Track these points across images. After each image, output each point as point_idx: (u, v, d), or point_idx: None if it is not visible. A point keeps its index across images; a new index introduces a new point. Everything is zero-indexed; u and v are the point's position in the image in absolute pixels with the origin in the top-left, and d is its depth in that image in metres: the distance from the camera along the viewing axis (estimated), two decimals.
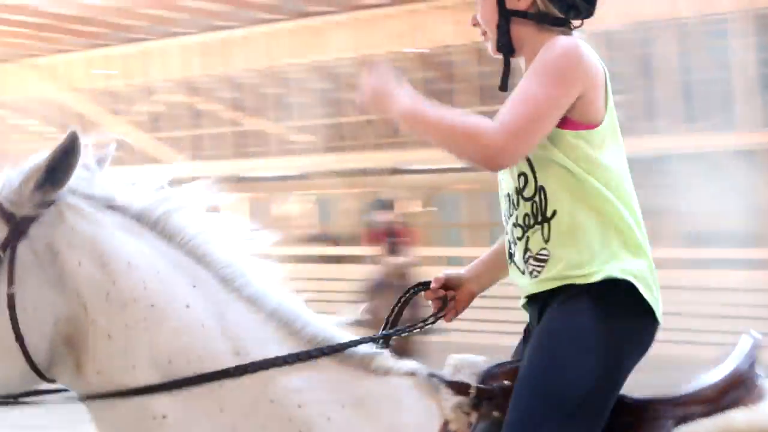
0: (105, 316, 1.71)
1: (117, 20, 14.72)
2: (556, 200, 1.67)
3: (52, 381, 1.79)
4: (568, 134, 1.66)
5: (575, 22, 1.79)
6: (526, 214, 1.69)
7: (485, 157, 1.61)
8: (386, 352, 1.78)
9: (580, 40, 1.75)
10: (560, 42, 1.67)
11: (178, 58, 15.96)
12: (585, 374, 1.60)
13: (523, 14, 1.76)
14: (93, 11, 14.22)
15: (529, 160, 1.68)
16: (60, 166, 1.72)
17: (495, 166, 1.65)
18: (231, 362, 1.68)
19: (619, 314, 1.65)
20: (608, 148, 1.71)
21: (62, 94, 17.53)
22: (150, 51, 16.31)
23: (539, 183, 1.67)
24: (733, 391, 1.72)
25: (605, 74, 1.74)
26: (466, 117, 1.65)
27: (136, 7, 14.05)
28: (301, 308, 1.78)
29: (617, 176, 1.71)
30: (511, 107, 1.62)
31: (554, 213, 1.66)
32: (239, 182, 17.29)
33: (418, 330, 1.86)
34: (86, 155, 1.78)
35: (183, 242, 1.77)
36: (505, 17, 1.76)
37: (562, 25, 1.79)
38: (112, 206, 1.78)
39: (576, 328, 1.63)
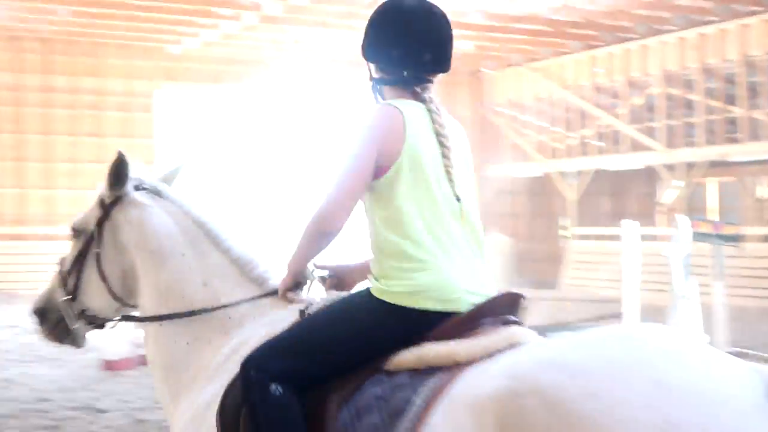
0: (142, 266, 2.83)
1: (607, 22, 18.29)
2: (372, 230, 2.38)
3: (134, 307, 2.89)
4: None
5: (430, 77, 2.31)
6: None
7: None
8: (303, 294, 2.59)
9: (399, 103, 2.24)
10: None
11: (658, 53, 18.71)
12: (333, 331, 2.31)
13: (373, 79, 2.37)
14: (586, 15, 17.67)
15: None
16: (119, 174, 2.89)
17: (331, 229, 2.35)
18: (202, 292, 2.66)
19: (384, 306, 2.30)
20: (409, 182, 2.24)
21: (556, 92, 21.33)
22: (632, 49, 19.42)
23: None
24: (463, 326, 2.21)
25: (403, 125, 2.23)
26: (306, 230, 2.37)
27: (629, 8, 16.97)
28: (256, 259, 2.69)
29: (407, 207, 2.22)
30: None
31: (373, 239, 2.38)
32: (725, 166, 19.76)
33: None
34: (136, 166, 2.95)
35: (192, 216, 2.83)
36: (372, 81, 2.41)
37: (406, 85, 2.30)
38: (157, 195, 2.91)
39: (351, 307, 2.38)
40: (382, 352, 2.30)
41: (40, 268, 20.02)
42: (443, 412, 2.05)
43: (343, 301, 2.46)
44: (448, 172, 2.34)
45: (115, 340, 10.57)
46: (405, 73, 2.37)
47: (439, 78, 2.43)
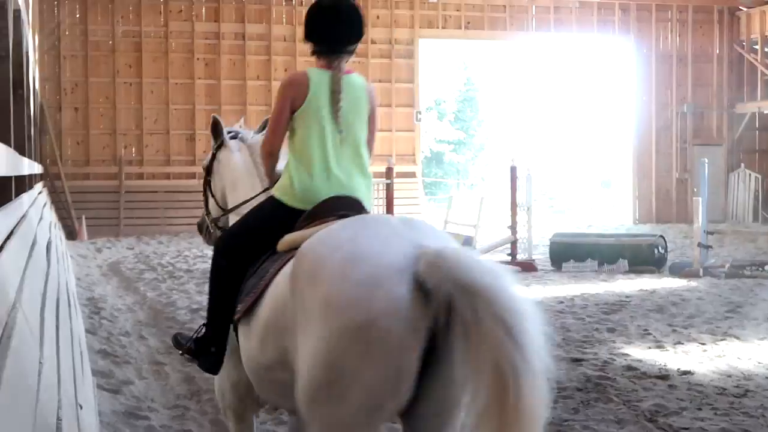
0: (227, 187, 4.18)
1: None
2: None
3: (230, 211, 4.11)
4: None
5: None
6: None
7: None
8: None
9: (309, 71, 3.58)
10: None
11: None
12: (254, 221, 3.60)
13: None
14: None
15: None
16: (215, 130, 4.30)
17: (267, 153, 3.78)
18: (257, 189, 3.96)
19: (278, 204, 3.53)
20: (306, 122, 3.53)
21: None
22: None
23: None
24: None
25: (308, 85, 3.51)
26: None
27: None
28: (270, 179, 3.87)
29: (301, 140, 3.54)
30: None
31: None
32: None
33: None
34: (237, 124, 4.52)
35: (253, 157, 4.11)
36: None
37: (324, 53, 3.60)
38: (242, 142, 4.22)
39: (265, 203, 3.68)
40: (279, 237, 3.44)
41: None
42: (282, 274, 3.15)
43: (264, 200, 3.77)
44: (335, 115, 3.57)
45: None
46: (314, 49, 3.67)
47: (352, 49, 3.78)
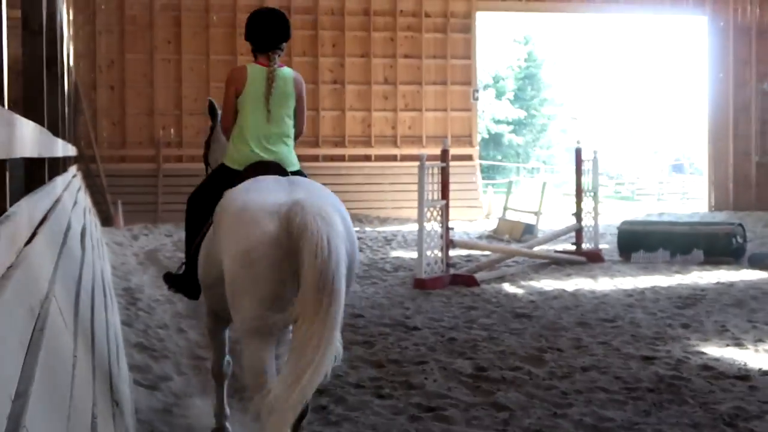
0: (219, 158, 5.52)
1: None
2: None
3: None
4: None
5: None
6: None
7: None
8: None
9: (249, 66, 5.06)
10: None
11: None
12: (209, 180, 5.23)
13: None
14: None
15: None
16: (210, 111, 5.85)
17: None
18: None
19: (224, 167, 5.10)
20: (246, 106, 5.03)
21: None
22: None
23: None
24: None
25: (246, 77, 5.02)
26: None
27: None
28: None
29: (242, 120, 5.05)
30: None
31: None
32: None
33: None
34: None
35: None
36: None
37: (260, 51, 5.13)
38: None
39: (218, 167, 5.29)
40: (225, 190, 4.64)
41: (359, 188, 22.22)
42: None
43: (218, 165, 5.30)
44: (267, 100, 5.05)
45: (427, 259, 11.60)
46: (253, 47, 5.17)
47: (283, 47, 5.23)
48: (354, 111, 22.98)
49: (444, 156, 12.19)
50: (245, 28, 5.28)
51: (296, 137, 5.28)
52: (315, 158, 22.46)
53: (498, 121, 48.06)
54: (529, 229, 18.00)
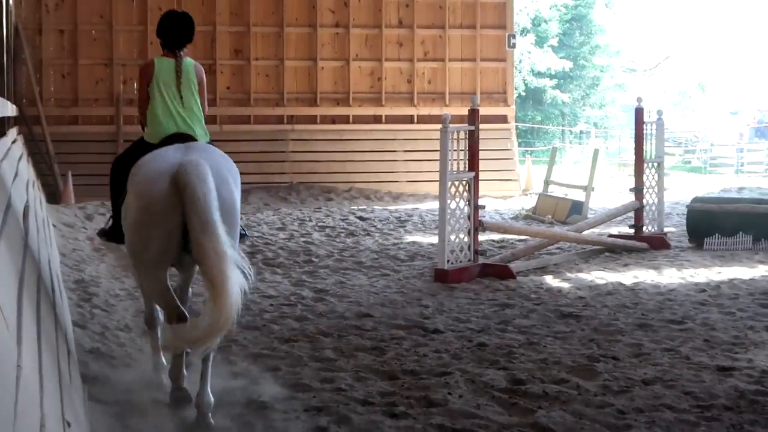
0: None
1: None
2: None
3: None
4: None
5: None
6: None
7: None
8: None
9: (157, 59, 7.40)
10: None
11: None
12: (129, 150, 7.47)
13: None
14: None
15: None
16: None
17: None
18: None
19: (143, 141, 7.33)
20: (158, 91, 7.27)
21: None
22: None
23: None
24: None
25: (155, 68, 7.31)
26: None
27: None
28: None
29: (155, 102, 7.29)
30: None
31: None
32: None
33: None
34: None
35: None
36: None
37: (167, 48, 7.41)
38: None
39: (137, 140, 7.52)
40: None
41: (366, 156, 22.23)
42: None
43: (138, 139, 7.45)
44: (178, 88, 7.25)
45: (450, 246, 11.60)
46: (162, 43, 7.37)
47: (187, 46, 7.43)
48: (360, 61, 22.96)
49: (472, 117, 12.16)
50: (157, 26, 7.56)
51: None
52: (312, 119, 22.50)
53: (539, 74, 47.91)
54: (576, 208, 17.98)
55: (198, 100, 7.42)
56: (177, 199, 6.10)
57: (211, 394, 6.27)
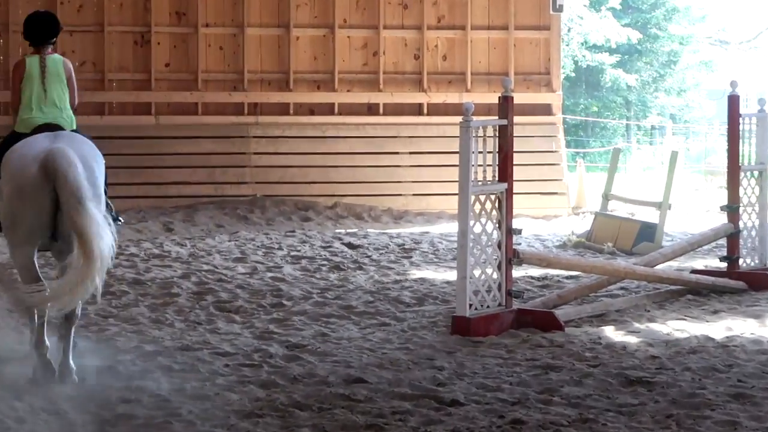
0: None
1: None
2: None
3: None
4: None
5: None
6: None
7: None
8: None
9: (27, 57, 10.66)
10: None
11: None
12: (4, 142, 10.48)
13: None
14: None
15: None
16: None
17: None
18: None
19: (15, 133, 10.37)
20: (26, 86, 10.43)
21: None
22: None
23: None
24: None
25: (25, 65, 10.49)
26: None
27: None
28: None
29: (25, 96, 10.46)
30: None
31: None
32: None
33: None
34: None
35: None
36: None
37: (33, 46, 10.67)
38: None
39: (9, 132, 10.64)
40: None
41: (357, 161, 22.22)
42: None
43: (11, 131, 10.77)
44: (43, 82, 10.46)
45: (474, 284, 11.57)
46: (29, 43, 10.72)
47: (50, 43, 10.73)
48: (350, 29, 23.00)
49: (504, 107, 12.17)
50: (23, 28, 10.67)
51: (73, 109, 10.65)
52: (282, 109, 22.56)
53: (594, 48, 48.04)
54: (647, 233, 17.97)
55: (66, 93, 10.59)
56: (46, 182, 9.42)
57: (72, 363, 9.66)
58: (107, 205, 10.19)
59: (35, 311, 9.84)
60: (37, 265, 9.81)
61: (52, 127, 10.26)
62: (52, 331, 10.00)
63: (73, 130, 10.51)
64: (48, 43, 10.63)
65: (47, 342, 9.72)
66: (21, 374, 9.57)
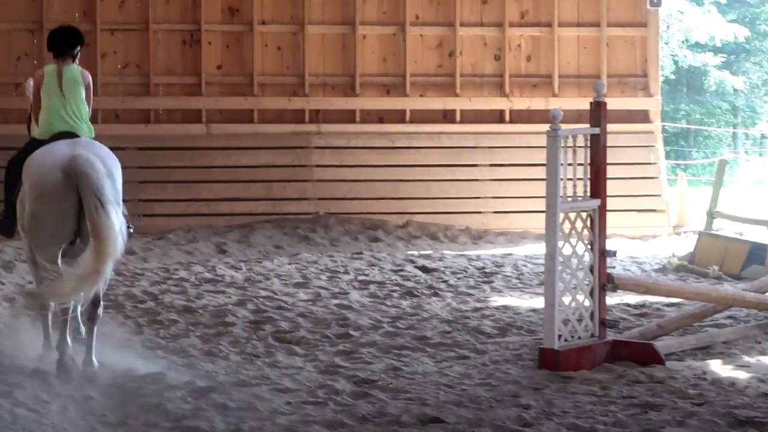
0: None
1: None
2: None
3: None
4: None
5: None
6: None
7: None
8: None
9: (46, 66, 12.55)
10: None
11: None
12: (23, 148, 12.41)
13: None
14: None
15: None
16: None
17: None
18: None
19: (34, 140, 12.43)
20: (45, 94, 12.17)
21: None
22: None
23: None
24: None
25: (44, 75, 12.25)
26: None
27: None
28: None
29: (44, 105, 12.23)
30: None
31: None
32: None
33: None
34: None
35: None
36: None
37: (54, 57, 12.49)
38: None
39: (29, 139, 12.75)
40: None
41: (430, 174, 22.30)
42: None
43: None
44: (61, 89, 12.17)
45: (563, 313, 11.59)
46: (53, 54, 12.50)
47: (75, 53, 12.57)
48: (422, 26, 23.05)
49: (596, 114, 12.19)
50: (46, 41, 12.41)
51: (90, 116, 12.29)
52: (348, 117, 22.75)
53: (697, 47, 47.89)
54: (757, 255, 17.89)
55: (83, 102, 12.15)
56: (69, 186, 11.05)
57: (95, 361, 11.34)
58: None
59: (50, 309, 11.98)
60: (60, 265, 11.31)
61: (71, 135, 11.88)
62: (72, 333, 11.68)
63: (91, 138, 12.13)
64: (68, 54, 12.25)
65: (69, 342, 11.42)
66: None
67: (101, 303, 11.73)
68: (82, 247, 11.32)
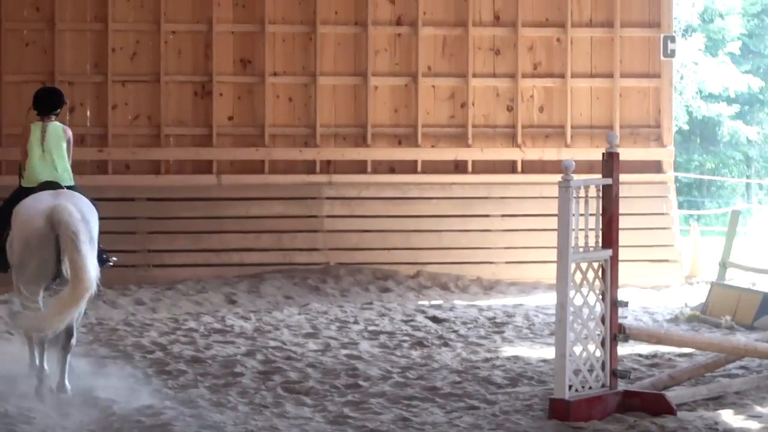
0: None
1: None
2: None
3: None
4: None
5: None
6: None
7: None
8: None
9: (32, 123, 13.94)
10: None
11: None
12: (11, 198, 13.70)
13: None
14: None
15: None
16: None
17: None
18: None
19: (22, 188, 13.70)
20: (31, 148, 13.68)
21: None
22: None
23: None
24: None
25: (32, 129, 13.78)
26: None
27: None
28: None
29: (30, 156, 13.71)
30: None
31: None
32: None
33: None
34: None
35: None
36: None
37: (39, 115, 14.04)
38: None
39: (17, 188, 13.94)
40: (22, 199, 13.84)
41: (441, 224, 22.30)
42: None
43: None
44: (42, 143, 13.69)
45: (574, 363, 11.57)
46: (37, 112, 14.06)
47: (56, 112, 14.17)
48: (434, 77, 23.08)
49: (609, 164, 12.19)
50: (32, 100, 13.78)
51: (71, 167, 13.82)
52: (359, 167, 22.74)
53: (711, 98, 47.94)
54: None
55: (64, 153, 13.62)
56: (50, 233, 12.47)
57: (68, 385, 12.68)
58: (99, 253, 13.19)
59: (34, 338, 13.23)
60: (40, 301, 12.85)
61: (53, 185, 13.39)
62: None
63: (71, 186, 13.62)
64: (51, 113, 13.82)
65: (46, 368, 12.93)
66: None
67: (74, 334, 13.13)
68: (63, 285, 12.69)
